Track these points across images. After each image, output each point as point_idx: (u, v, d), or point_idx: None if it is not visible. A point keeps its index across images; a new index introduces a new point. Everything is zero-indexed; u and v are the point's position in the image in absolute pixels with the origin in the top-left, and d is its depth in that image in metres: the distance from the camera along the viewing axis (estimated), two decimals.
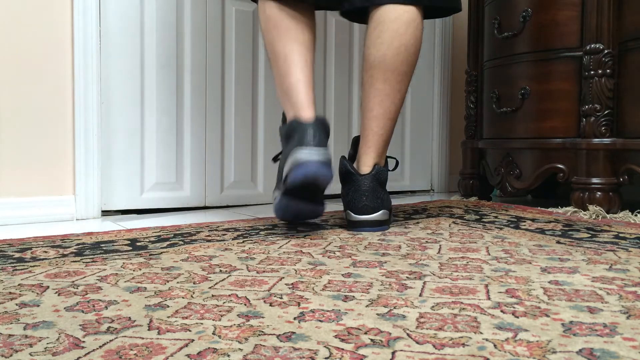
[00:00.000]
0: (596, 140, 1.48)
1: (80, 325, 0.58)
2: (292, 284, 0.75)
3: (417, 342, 0.53)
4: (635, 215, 1.38)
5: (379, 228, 1.20)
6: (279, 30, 1.19)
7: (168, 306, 0.65)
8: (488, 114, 1.83)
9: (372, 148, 1.23)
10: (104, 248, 1.01)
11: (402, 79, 1.22)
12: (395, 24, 1.19)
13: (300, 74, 1.18)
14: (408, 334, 0.55)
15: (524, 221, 1.32)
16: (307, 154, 1.05)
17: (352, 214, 1.19)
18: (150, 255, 0.95)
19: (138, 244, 1.05)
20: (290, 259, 0.92)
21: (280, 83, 1.21)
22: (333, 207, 1.70)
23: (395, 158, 1.37)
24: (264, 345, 0.52)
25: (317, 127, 1.10)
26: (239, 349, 0.51)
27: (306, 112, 1.14)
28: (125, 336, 0.55)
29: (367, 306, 0.65)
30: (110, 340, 0.54)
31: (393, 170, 1.33)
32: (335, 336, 0.55)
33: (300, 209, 1.19)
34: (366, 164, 1.23)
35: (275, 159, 1.35)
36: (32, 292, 0.72)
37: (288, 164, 1.08)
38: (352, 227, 1.20)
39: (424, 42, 2.24)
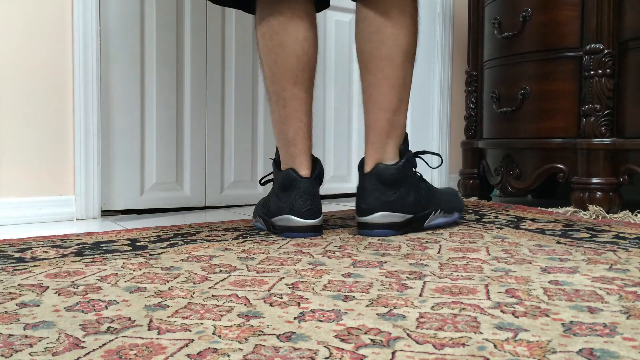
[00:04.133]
0: (596, 140, 1.48)
1: (80, 325, 0.58)
2: (292, 284, 0.75)
3: (417, 342, 0.53)
4: (635, 215, 1.38)
5: (378, 232, 1.13)
6: (277, 58, 1.15)
7: (168, 306, 0.65)
8: (488, 114, 1.83)
9: (370, 144, 1.17)
10: (104, 248, 1.01)
11: (385, 64, 1.14)
12: (375, 12, 1.13)
13: (299, 122, 1.17)
14: (408, 334, 0.55)
15: (524, 221, 1.32)
16: (298, 224, 1.13)
17: (356, 215, 1.17)
18: (150, 255, 0.95)
19: (138, 244, 1.05)
20: (290, 259, 0.92)
21: (279, 129, 1.19)
22: (333, 207, 1.70)
23: (438, 154, 1.26)
24: (264, 345, 0.52)
25: (312, 187, 1.15)
26: (239, 349, 0.51)
27: (303, 170, 1.16)
28: (125, 336, 0.55)
29: (367, 306, 0.65)
30: (110, 340, 0.54)
31: (437, 167, 1.30)
32: (335, 336, 0.55)
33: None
34: (368, 163, 1.17)
35: (263, 183, 1.30)
36: (32, 292, 0.72)
37: (281, 221, 1.14)
38: (358, 229, 1.17)
39: (425, 42, 2.24)
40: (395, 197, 1.14)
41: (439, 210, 1.20)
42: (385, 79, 1.15)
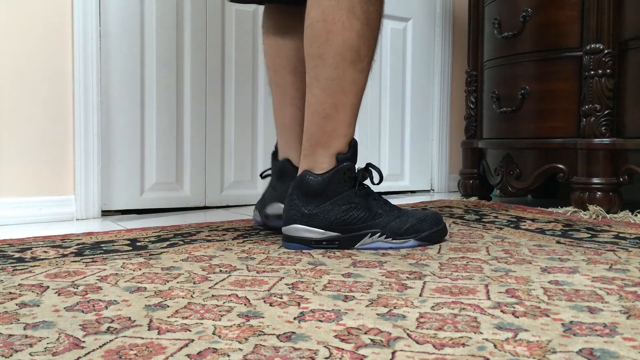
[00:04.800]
0: (596, 140, 1.48)
1: (80, 325, 0.58)
2: (292, 284, 0.75)
3: (417, 342, 0.53)
4: (635, 215, 1.38)
5: (291, 245, 1.02)
6: (272, 53, 1.23)
7: (168, 306, 0.65)
8: (488, 114, 1.83)
9: (302, 149, 1.07)
10: (104, 248, 1.01)
11: (317, 64, 1.02)
12: (310, 3, 1.04)
13: (295, 108, 1.20)
14: (408, 334, 0.55)
15: (524, 221, 1.32)
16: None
17: None
18: (150, 255, 0.95)
19: (138, 244, 1.05)
20: (290, 259, 0.92)
21: (277, 116, 1.25)
22: None
23: (378, 168, 1.05)
24: (264, 345, 0.52)
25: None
26: (239, 349, 0.51)
27: (297, 159, 1.18)
28: (125, 336, 0.55)
29: (367, 306, 0.65)
30: (110, 340, 0.54)
31: (378, 183, 1.06)
32: (335, 336, 0.55)
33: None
34: (299, 169, 1.07)
35: (263, 176, 1.31)
36: (32, 292, 0.72)
37: (272, 209, 1.16)
38: None
39: (425, 42, 2.24)
40: (318, 210, 1.02)
41: (379, 234, 1.01)
42: (316, 79, 1.03)
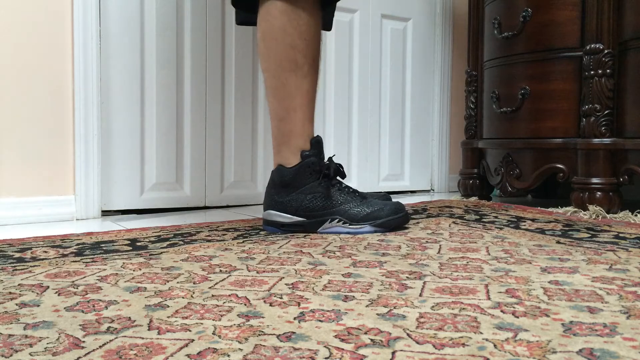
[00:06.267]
0: (596, 140, 1.48)
1: (80, 325, 0.58)
2: (292, 284, 0.75)
3: (417, 342, 0.53)
4: (635, 215, 1.38)
5: (266, 227, 1.22)
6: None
7: (168, 306, 0.65)
8: (488, 114, 1.83)
9: (273, 147, 1.25)
10: (104, 248, 1.01)
11: (266, 76, 1.20)
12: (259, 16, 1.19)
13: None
14: (408, 334, 0.55)
15: (524, 221, 1.32)
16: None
17: None
18: (150, 255, 0.95)
19: (138, 244, 1.05)
20: (290, 259, 0.92)
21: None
22: None
23: (339, 165, 1.22)
24: (264, 345, 0.52)
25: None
26: (239, 349, 0.51)
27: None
28: (125, 336, 0.55)
29: (367, 306, 0.65)
30: (110, 340, 0.54)
31: (335, 176, 1.21)
32: (335, 336, 0.55)
33: None
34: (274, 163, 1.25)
35: None
36: (32, 292, 0.72)
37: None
38: None
39: (425, 42, 2.24)
40: (287, 199, 1.19)
41: (337, 220, 1.18)
42: (268, 89, 1.21)
